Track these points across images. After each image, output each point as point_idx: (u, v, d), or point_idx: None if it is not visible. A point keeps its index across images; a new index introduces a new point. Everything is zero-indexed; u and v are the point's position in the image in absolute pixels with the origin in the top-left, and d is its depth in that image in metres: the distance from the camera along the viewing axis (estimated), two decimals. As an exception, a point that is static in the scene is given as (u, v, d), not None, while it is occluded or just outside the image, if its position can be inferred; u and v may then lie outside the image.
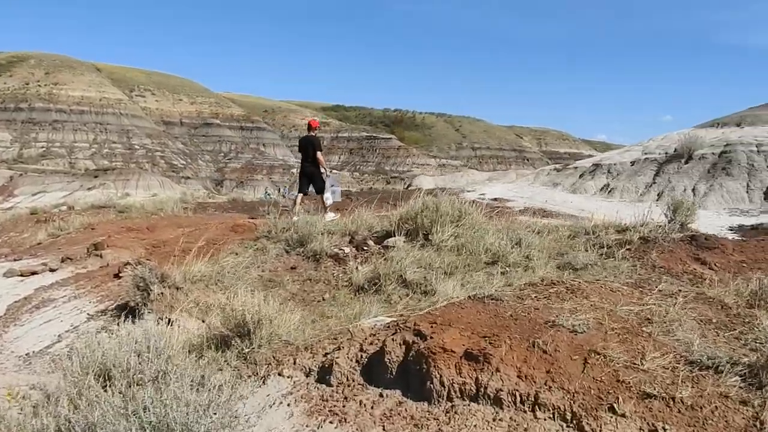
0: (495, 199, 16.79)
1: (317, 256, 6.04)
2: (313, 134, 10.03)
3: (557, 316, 3.18)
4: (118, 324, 5.31)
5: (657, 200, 16.33)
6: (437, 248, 5.57)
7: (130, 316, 5.22)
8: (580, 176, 21.61)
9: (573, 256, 4.55)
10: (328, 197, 9.65)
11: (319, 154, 9.74)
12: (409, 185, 26.78)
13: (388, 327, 3.33)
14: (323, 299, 5.30)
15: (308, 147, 9.84)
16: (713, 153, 17.38)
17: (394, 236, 5.89)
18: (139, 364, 3.10)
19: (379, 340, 3.24)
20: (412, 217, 5.90)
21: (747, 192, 15.46)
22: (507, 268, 4.69)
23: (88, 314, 5.55)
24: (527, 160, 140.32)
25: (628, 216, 6.44)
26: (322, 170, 9.80)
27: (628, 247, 5.02)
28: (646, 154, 20.01)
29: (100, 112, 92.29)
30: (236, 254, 6.39)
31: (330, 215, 9.10)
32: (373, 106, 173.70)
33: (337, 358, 3.22)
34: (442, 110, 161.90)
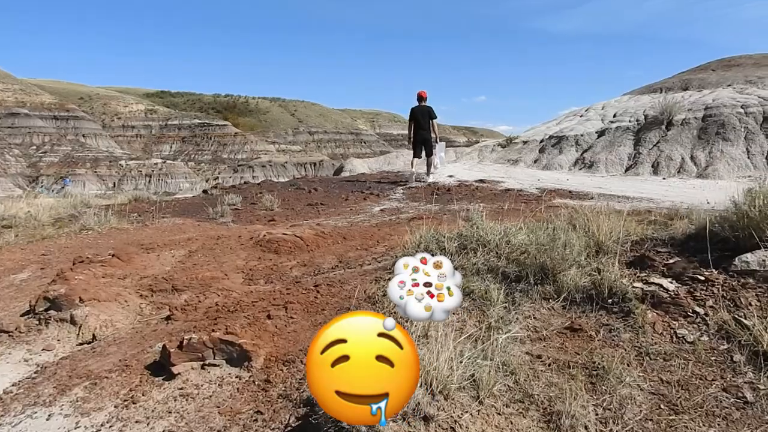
0: (481, 181, 14.30)
1: (606, 301, 3.02)
2: (425, 104, 10.93)
3: None
4: None
5: (653, 172, 15.14)
6: None
7: None
8: (541, 150, 20.04)
9: None
10: (437, 162, 11.41)
11: (435, 122, 10.78)
12: (340, 169, 23.97)
13: None
14: (740, 406, 2.36)
15: (424, 115, 10.83)
16: (695, 117, 16.61)
17: (751, 252, 3.08)
18: None
19: None
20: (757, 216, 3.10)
21: (749, 158, 14.68)
22: None
23: None
24: (364, 142, 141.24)
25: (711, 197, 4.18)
26: (433, 136, 10.92)
27: None
28: (612, 122, 18.84)
29: None
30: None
31: (431, 177, 11.56)
32: (202, 92, 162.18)
33: None
34: (275, 95, 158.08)
